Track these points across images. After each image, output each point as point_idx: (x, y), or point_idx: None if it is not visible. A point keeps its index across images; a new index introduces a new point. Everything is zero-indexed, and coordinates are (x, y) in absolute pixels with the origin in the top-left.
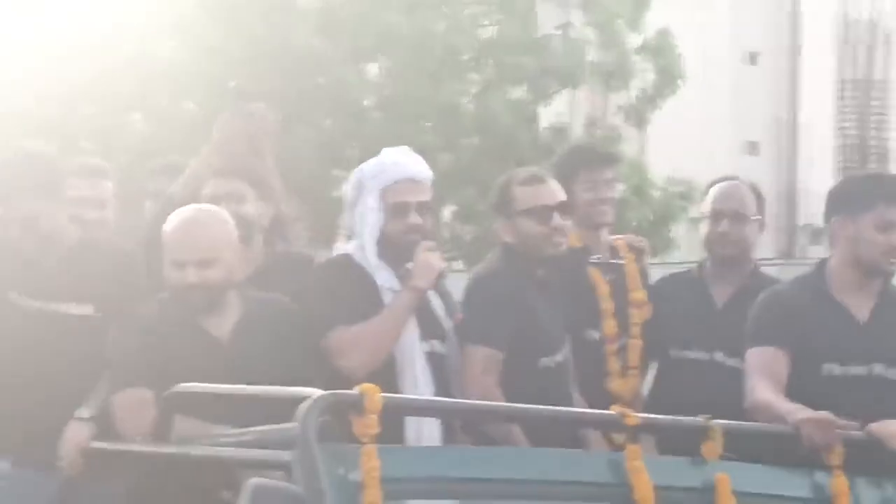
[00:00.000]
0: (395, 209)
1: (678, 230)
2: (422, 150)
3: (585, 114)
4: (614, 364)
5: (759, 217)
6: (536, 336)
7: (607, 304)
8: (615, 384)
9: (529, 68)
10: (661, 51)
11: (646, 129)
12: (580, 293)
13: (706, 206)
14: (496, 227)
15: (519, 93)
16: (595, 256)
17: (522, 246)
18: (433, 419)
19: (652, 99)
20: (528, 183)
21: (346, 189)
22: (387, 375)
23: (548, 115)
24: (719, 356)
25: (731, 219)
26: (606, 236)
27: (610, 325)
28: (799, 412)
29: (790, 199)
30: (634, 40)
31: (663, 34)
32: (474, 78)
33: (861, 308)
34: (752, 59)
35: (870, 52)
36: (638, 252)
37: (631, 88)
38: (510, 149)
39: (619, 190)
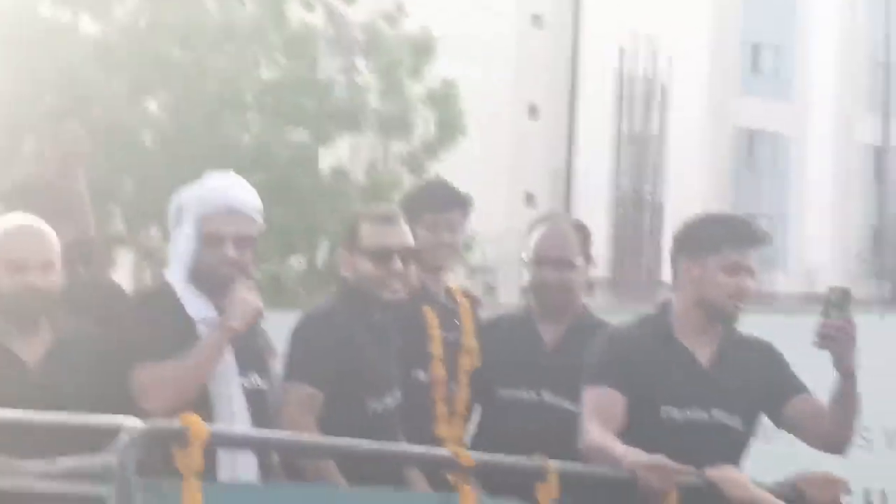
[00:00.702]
0: (209, 240)
1: (456, 279)
2: None
3: (366, 159)
4: (441, 408)
5: (586, 259)
6: (363, 378)
7: (437, 348)
8: (441, 429)
9: (311, 110)
10: (445, 101)
11: (425, 177)
12: (412, 333)
13: (528, 250)
14: (339, 259)
15: (300, 134)
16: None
17: (359, 285)
18: (249, 454)
19: (433, 149)
20: (377, 221)
21: (169, 211)
22: (201, 411)
23: (329, 158)
24: (548, 396)
25: (555, 266)
26: (445, 279)
27: (438, 369)
28: (633, 456)
29: None
30: (419, 89)
31: (447, 85)
32: (255, 117)
33: (704, 351)
34: (533, 112)
35: (646, 108)
36: (473, 300)
37: (413, 138)
38: (289, 189)
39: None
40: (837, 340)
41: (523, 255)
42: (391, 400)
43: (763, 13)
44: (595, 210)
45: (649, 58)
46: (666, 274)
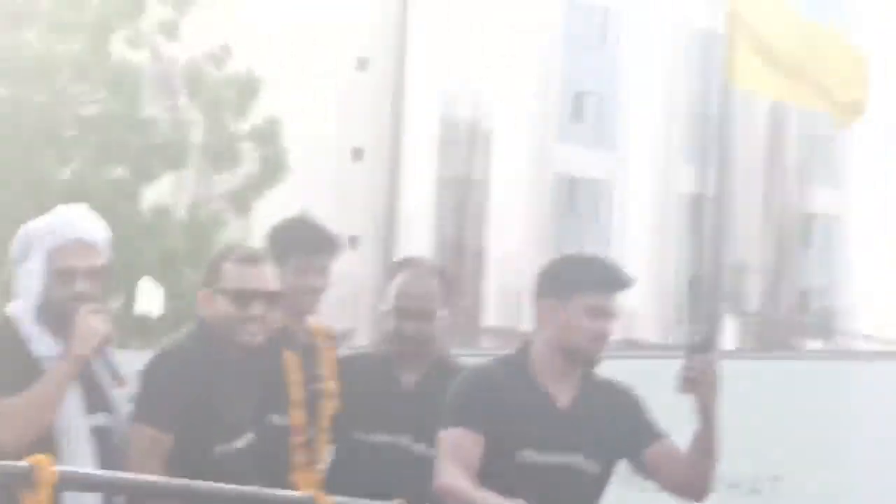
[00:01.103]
0: (60, 274)
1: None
2: (13, 221)
3: (190, 196)
4: (300, 456)
5: (447, 305)
6: (212, 420)
7: (297, 394)
8: (298, 477)
9: (133, 147)
10: (268, 138)
11: (249, 216)
12: (272, 377)
13: (389, 299)
14: (199, 297)
15: (121, 170)
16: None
17: (217, 325)
18: (95, 497)
19: (256, 186)
20: (240, 262)
21: (14, 246)
22: (44, 450)
23: (151, 195)
24: (405, 441)
25: (416, 318)
26: (308, 322)
27: (298, 416)
28: (491, 500)
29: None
30: (243, 126)
31: (271, 122)
32: (75, 153)
33: (563, 394)
34: (357, 154)
35: (470, 153)
36: (333, 339)
37: (237, 174)
38: (108, 226)
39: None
40: (699, 384)
41: (382, 304)
42: (241, 443)
43: (586, 61)
44: (418, 253)
45: (473, 103)
46: (486, 319)
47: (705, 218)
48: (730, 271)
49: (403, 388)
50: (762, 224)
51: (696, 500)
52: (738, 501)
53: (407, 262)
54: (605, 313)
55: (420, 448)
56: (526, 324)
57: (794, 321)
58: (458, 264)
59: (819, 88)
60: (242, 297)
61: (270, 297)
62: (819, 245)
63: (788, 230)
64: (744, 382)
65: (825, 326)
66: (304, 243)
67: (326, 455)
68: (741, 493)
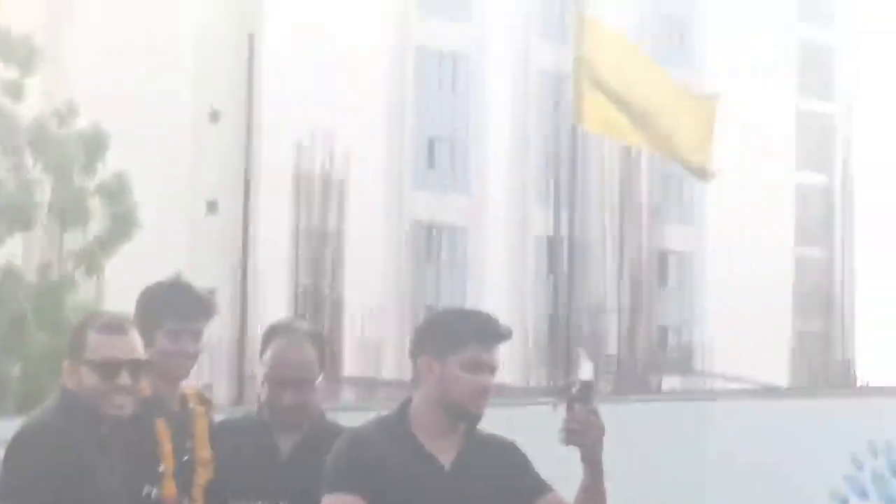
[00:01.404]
0: None
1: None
2: None
3: (39, 259)
4: None
5: (322, 368)
6: (83, 496)
7: (169, 464)
8: None
9: None
10: (117, 194)
11: (100, 276)
12: (143, 448)
13: (265, 366)
14: (64, 368)
15: None
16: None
17: (82, 397)
18: None
19: (107, 244)
20: (105, 330)
21: None
22: None
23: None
24: None
25: (293, 387)
26: (181, 387)
27: (170, 487)
28: None
29: (241, 346)
30: (90, 182)
31: (119, 177)
32: None
33: (445, 453)
34: (211, 207)
35: (324, 203)
36: (207, 402)
37: (87, 232)
38: None
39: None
40: (584, 435)
41: (259, 369)
42: None
43: (437, 108)
44: (273, 307)
45: (326, 153)
46: (346, 369)
47: (560, 260)
48: (587, 312)
49: (281, 453)
50: (618, 263)
51: None
52: None
53: (281, 328)
54: (485, 367)
55: None
56: (387, 373)
57: (652, 359)
58: (316, 316)
59: (668, 140)
60: (109, 367)
61: (138, 366)
62: (674, 283)
63: (644, 268)
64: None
65: (683, 363)
66: (178, 308)
67: None
68: None
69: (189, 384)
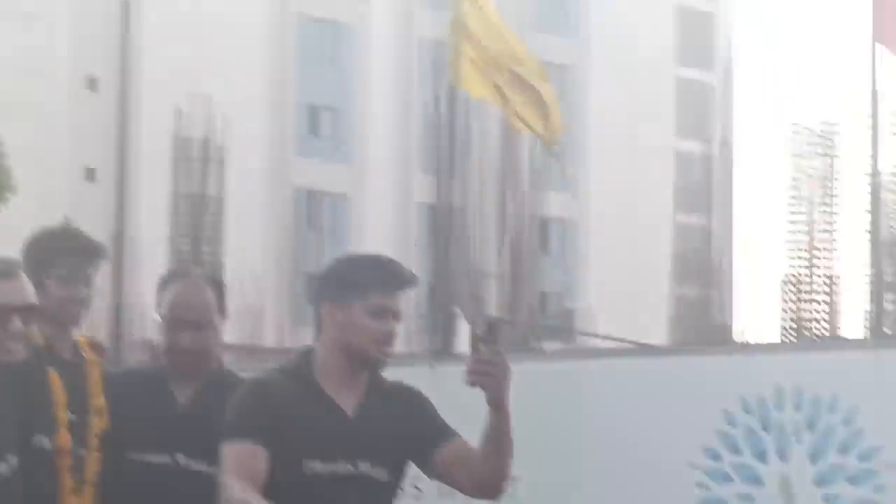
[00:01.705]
0: None
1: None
2: None
3: None
4: (67, 480)
5: (222, 315)
6: None
7: (62, 413)
8: (69, 501)
9: None
10: None
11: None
12: (35, 398)
13: (162, 309)
14: None
15: None
16: None
17: None
18: None
19: None
20: None
21: None
22: None
23: None
24: (182, 459)
25: (192, 329)
26: (74, 334)
27: (64, 437)
28: None
29: (118, 313)
30: None
31: None
32: None
33: (348, 400)
34: (90, 174)
35: (204, 169)
36: (100, 351)
37: None
38: None
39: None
40: (489, 376)
41: (156, 314)
42: (4, 468)
43: (320, 75)
44: (151, 273)
45: (206, 119)
46: (227, 337)
47: (442, 227)
48: (468, 277)
49: (178, 403)
50: (499, 230)
51: (492, 498)
52: (474, 502)
53: (178, 273)
54: (389, 313)
55: (200, 466)
56: (267, 340)
57: (534, 324)
58: None
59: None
60: (1, 313)
61: (30, 312)
62: (555, 249)
63: (525, 235)
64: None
65: (564, 328)
66: (66, 252)
67: (97, 476)
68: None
69: (83, 334)
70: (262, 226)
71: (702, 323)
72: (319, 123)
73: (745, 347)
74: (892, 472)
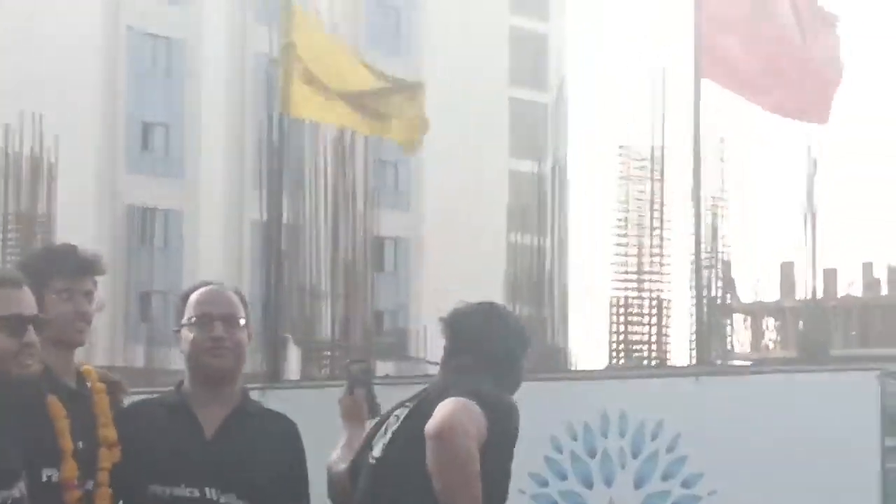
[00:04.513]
0: None
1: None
2: None
3: None
4: None
5: (249, 328)
6: None
7: (67, 443)
8: None
9: None
10: None
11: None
12: (37, 426)
13: (189, 312)
14: None
15: None
16: None
17: None
18: None
19: None
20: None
21: None
22: None
23: None
24: (212, 493)
25: (224, 322)
26: (76, 359)
27: (70, 468)
28: None
29: None
30: None
31: None
32: None
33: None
34: None
35: (33, 187)
36: (113, 386)
37: None
38: None
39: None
40: (358, 418)
41: (184, 319)
42: (17, 492)
43: (151, 92)
44: None
45: (36, 136)
46: None
47: (276, 244)
48: (298, 296)
49: (206, 432)
50: (333, 249)
51: None
52: None
53: (201, 284)
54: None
55: (227, 499)
56: (98, 358)
57: (368, 344)
58: None
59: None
60: (12, 323)
61: (39, 322)
62: (390, 268)
63: (360, 254)
64: (315, 410)
65: (398, 348)
66: (65, 266)
67: None
68: None
69: (86, 364)
70: (93, 243)
71: (536, 345)
72: (151, 139)
73: (572, 373)
74: (715, 498)
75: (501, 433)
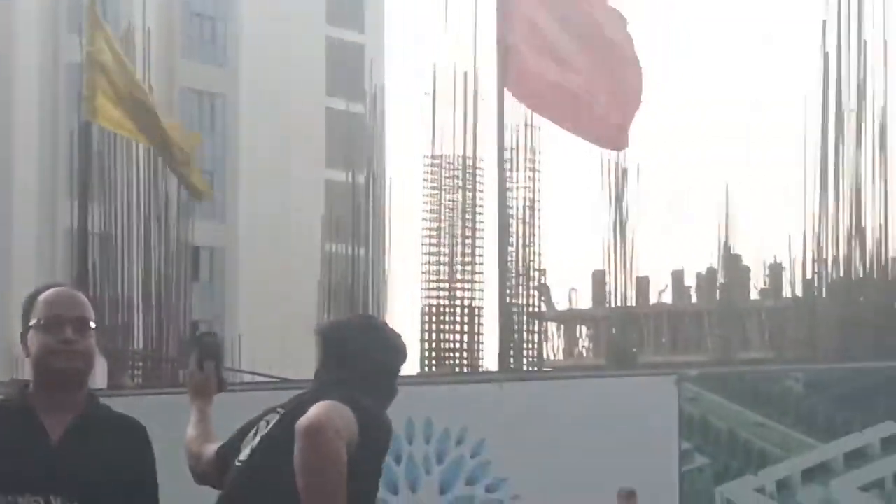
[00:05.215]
0: None
1: None
2: None
3: None
4: None
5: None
6: None
7: None
8: None
9: None
10: None
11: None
12: None
13: (37, 314)
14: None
15: None
16: None
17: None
18: None
19: None
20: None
21: None
22: None
23: None
24: (56, 502)
25: (75, 325)
26: None
27: None
28: None
29: None
30: None
31: None
32: None
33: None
34: None
35: None
36: None
37: None
38: None
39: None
40: (207, 393)
41: (26, 331)
42: None
43: None
44: None
45: None
46: None
47: (89, 253)
48: (111, 306)
49: (52, 439)
50: (146, 259)
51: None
52: None
53: (46, 285)
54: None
55: None
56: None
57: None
58: None
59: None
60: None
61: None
62: (205, 277)
63: (174, 263)
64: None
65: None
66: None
67: None
68: None
69: None
70: None
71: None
72: None
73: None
74: (518, 503)
75: (373, 441)
